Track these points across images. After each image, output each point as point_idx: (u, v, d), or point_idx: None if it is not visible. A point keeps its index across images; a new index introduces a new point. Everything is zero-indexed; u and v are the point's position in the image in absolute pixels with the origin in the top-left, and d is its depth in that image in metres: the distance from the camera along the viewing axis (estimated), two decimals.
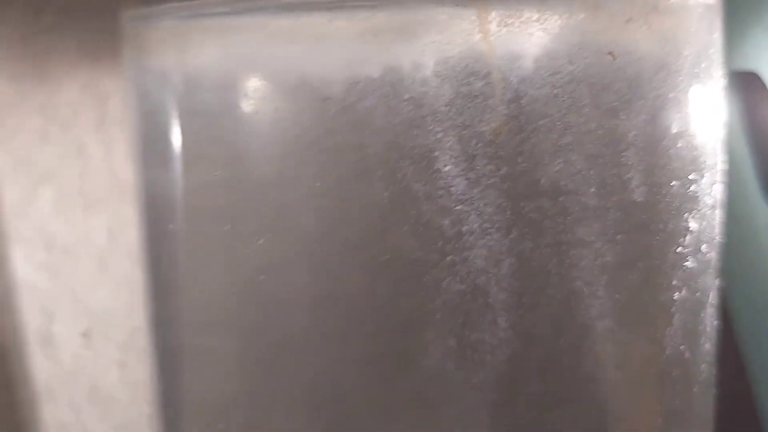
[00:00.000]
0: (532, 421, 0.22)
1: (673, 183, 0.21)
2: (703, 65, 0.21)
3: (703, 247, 0.22)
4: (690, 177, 0.21)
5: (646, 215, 0.21)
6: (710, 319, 0.23)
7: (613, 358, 0.21)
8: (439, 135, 0.21)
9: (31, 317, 0.37)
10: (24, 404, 0.34)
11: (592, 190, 0.20)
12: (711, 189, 0.22)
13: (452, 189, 0.21)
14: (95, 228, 0.38)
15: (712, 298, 0.23)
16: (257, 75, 0.21)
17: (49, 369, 0.38)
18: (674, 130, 0.20)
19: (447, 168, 0.21)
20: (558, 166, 0.20)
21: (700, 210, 0.22)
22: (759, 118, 0.29)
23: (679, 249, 0.21)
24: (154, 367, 0.26)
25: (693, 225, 0.21)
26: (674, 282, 0.21)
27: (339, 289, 0.22)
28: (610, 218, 0.20)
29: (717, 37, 0.21)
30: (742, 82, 0.29)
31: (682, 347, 0.22)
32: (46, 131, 0.37)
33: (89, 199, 0.37)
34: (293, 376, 0.23)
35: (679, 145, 0.21)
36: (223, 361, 0.24)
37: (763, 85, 0.29)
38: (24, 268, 0.37)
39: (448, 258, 0.22)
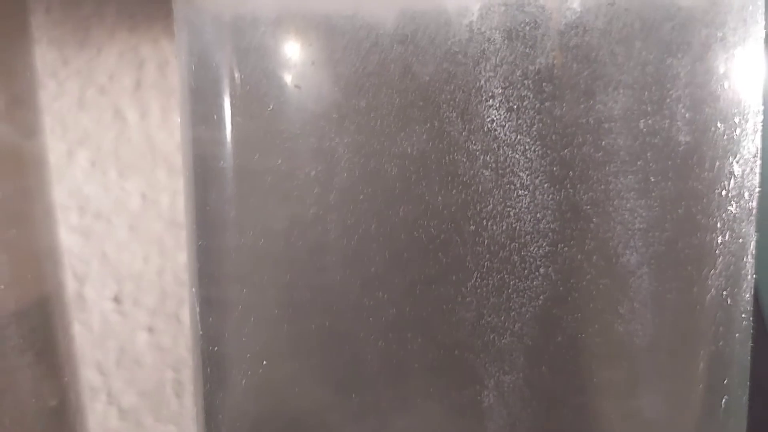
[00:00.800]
0: (567, 368, 0.22)
1: (719, 124, 0.21)
2: (750, 8, 0.21)
3: (746, 194, 0.22)
4: (735, 120, 0.21)
5: (692, 156, 0.21)
6: (750, 269, 0.23)
7: (658, 298, 0.21)
8: (488, 75, 0.21)
9: (63, 281, 0.38)
10: (63, 368, 0.34)
11: (640, 127, 0.20)
12: (754, 136, 0.22)
13: (496, 133, 0.21)
14: (129, 192, 0.38)
15: (752, 247, 0.23)
16: (309, 13, 0.22)
17: (80, 332, 0.38)
18: (721, 70, 0.21)
19: (491, 112, 0.21)
20: (604, 104, 0.20)
21: (743, 155, 0.22)
22: None
23: (723, 192, 0.21)
24: (199, 322, 0.26)
25: (736, 169, 0.22)
26: (718, 225, 0.21)
27: (373, 246, 0.22)
28: (655, 158, 0.20)
29: None
30: None
31: (724, 293, 0.22)
32: (84, 96, 0.37)
33: (123, 164, 0.38)
34: (326, 333, 0.23)
35: (725, 86, 0.21)
36: (264, 315, 0.24)
37: None
38: (58, 231, 0.37)
39: (489, 207, 0.22)
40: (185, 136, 0.25)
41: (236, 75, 0.23)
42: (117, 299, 0.38)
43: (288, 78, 0.22)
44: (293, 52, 0.22)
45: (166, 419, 0.39)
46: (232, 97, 0.23)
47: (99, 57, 0.37)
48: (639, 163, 0.21)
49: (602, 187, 0.21)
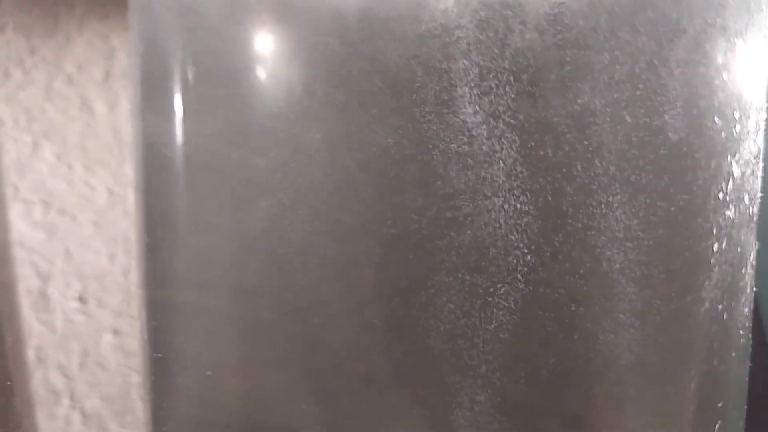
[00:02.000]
0: (553, 375, 0.20)
1: (716, 120, 0.19)
2: None
3: (746, 198, 0.20)
4: (734, 115, 0.19)
5: (685, 153, 0.19)
6: (749, 280, 0.21)
7: (647, 307, 0.19)
8: (463, 63, 0.19)
9: (24, 278, 0.36)
10: (16, 368, 0.32)
11: (628, 119, 0.18)
12: (756, 135, 0.20)
13: (471, 127, 0.19)
14: (95, 188, 0.36)
15: (752, 258, 0.21)
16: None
17: (41, 333, 0.36)
18: (719, 60, 0.19)
19: (466, 104, 0.19)
20: (587, 94, 0.18)
21: (743, 155, 0.20)
22: None
23: (720, 194, 0.19)
24: (145, 326, 0.24)
25: (735, 170, 0.20)
26: (714, 231, 0.19)
27: (344, 248, 0.20)
28: (646, 152, 0.18)
29: None
30: None
31: (720, 306, 0.20)
32: (51, 86, 0.35)
33: (90, 158, 0.36)
34: (291, 336, 0.21)
35: (724, 77, 0.19)
36: (218, 320, 0.22)
37: None
38: (20, 226, 0.36)
39: (465, 209, 0.20)
40: (136, 125, 0.23)
41: (187, 61, 0.21)
42: (81, 299, 0.36)
43: (243, 65, 0.20)
44: (248, 38, 0.20)
45: (131, 425, 0.37)
46: (182, 83, 0.21)
47: (67, 46, 0.35)
48: (626, 160, 0.19)
49: (585, 186, 0.19)
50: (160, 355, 0.21)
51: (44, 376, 0.36)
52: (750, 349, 0.22)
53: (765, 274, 0.24)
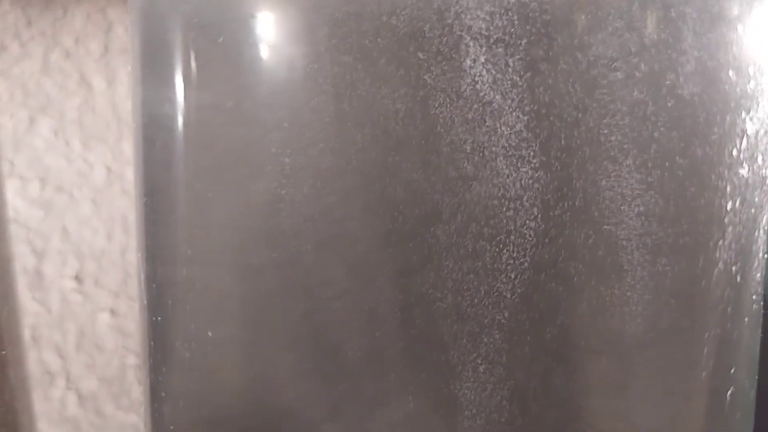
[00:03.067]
0: (560, 351, 0.20)
1: (731, 74, 0.18)
2: None
3: (759, 158, 0.20)
4: (749, 71, 0.19)
5: (700, 107, 0.18)
6: (762, 244, 0.20)
7: (659, 269, 0.18)
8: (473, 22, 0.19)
9: (20, 256, 0.35)
10: (11, 347, 0.32)
11: (639, 74, 0.18)
12: None
13: (480, 94, 0.19)
14: (92, 165, 0.35)
15: (765, 221, 0.20)
16: None
17: (37, 312, 0.36)
18: (734, 13, 0.18)
19: (475, 65, 0.19)
20: (598, 45, 0.18)
21: (757, 113, 0.19)
22: None
23: (734, 152, 0.19)
24: (147, 295, 0.23)
25: (750, 128, 0.19)
26: (728, 189, 0.19)
27: (348, 224, 0.20)
28: (658, 108, 0.18)
29: None
30: None
31: (734, 268, 0.19)
32: (48, 60, 0.35)
33: (88, 134, 0.35)
34: (291, 314, 0.20)
35: (740, 30, 0.18)
36: (217, 297, 0.21)
37: None
38: (15, 203, 0.35)
39: (472, 182, 0.19)
40: (135, 97, 0.22)
41: (187, 30, 0.20)
42: (78, 278, 0.36)
43: (245, 34, 0.20)
44: (251, 5, 0.19)
45: (127, 408, 0.36)
46: (183, 54, 0.20)
47: (65, 18, 0.35)
48: (637, 116, 0.18)
49: (595, 141, 0.18)
50: (159, 318, 0.21)
51: (39, 356, 0.36)
52: (762, 317, 0.21)
53: None
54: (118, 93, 0.35)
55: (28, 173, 0.35)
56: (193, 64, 0.21)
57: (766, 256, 0.21)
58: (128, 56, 0.35)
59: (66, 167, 0.35)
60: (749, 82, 0.19)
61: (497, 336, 0.19)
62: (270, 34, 0.20)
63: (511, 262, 0.19)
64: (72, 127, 0.35)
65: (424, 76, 0.19)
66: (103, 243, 0.36)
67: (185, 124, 0.21)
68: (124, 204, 0.36)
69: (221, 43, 0.20)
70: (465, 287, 0.19)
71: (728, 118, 0.18)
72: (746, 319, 0.20)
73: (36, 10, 0.35)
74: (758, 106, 0.19)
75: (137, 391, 0.36)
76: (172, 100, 0.21)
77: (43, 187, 0.35)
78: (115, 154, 0.35)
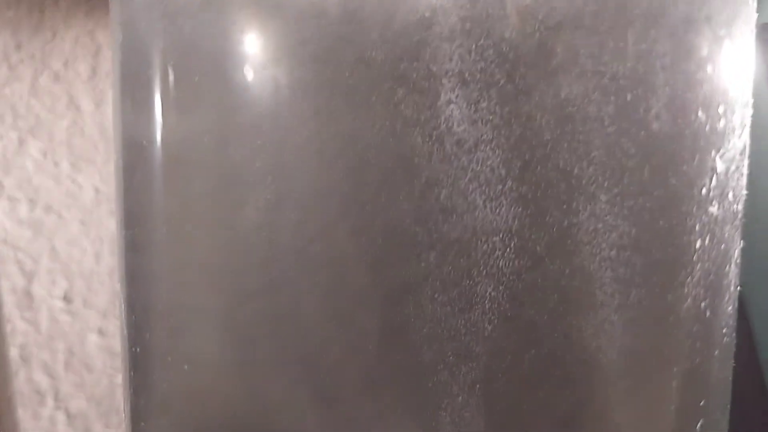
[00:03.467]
0: (534, 381, 0.20)
1: (700, 113, 0.19)
2: None
3: (730, 195, 0.20)
4: (719, 110, 0.19)
5: (670, 145, 0.18)
6: (733, 278, 0.21)
7: (629, 304, 0.19)
8: (446, 54, 0.19)
9: (9, 276, 0.36)
10: None
11: (611, 111, 0.18)
12: (741, 131, 0.20)
13: (454, 124, 0.19)
14: (81, 186, 0.36)
15: (737, 255, 0.21)
16: None
17: (26, 332, 0.36)
18: (704, 52, 0.18)
19: (449, 97, 0.19)
20: (569, 85, 0.18)
21: (728, 151, 0.20)
22: None
23: (704, 190, 0.19)
24: (127, 325, 0.24)
25: (720, 166, 0.19)
26: (697, 227, 0.19)
27: (328, 246, 0.20)
28: (629, 145, 0.18)
29: None
30: None
31: (703, 303, 0.19)
32: (37, 82, 0.35)
33: (77, 155, 0.36)
34: (269, 334, 0.21)
35: (709, 71, 0.18)
36: (197, 317, 0.22)
37: None
38: (5, 223, 0.35)
39: (447, 206, 0.19)
40: (116, 120, 0.22)
41: (167, 53, 0.21)
42: (66, 298, 0.36)
43: (224, 59, 0.20)
44: (229, 31, 0.20)
45: (116, 426, 0.37)
46: (162, 78, 0.20)
47: (54, 41, 0.35)
48: (609, 153, 0.18)
49: (567, 179, 0.19)
50: (138, 349, 0.21)
51: (28, 375, 0.36)
52: (734, 349, 0.21)
53: (752, 273, 0.23)
54: (106, 115, 0.35)
55: (18, 194, 0.35)
56: (172, 87, 0.21)
57: (738, 289, 0.21)
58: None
59: (55, 188, 0.36)
60: (719, 121, 0.19)
61: (474, 365, 0.20)
62: (251, 65, 0.20)
63: (487, 293, 0.19)
64: (61, 148, 0.35)
65: (402, 111, 0.19)
66: (91, 263, 0.36)
67: (165, 151, 0.21)
68: (112, 224, 0.36)
69: (200, 68, 0.20)
70: (443, 317, 0.20)
71: (698, 156, 0.19)
72: (716, 352, 0.20)
73: (25, 34, 0.35)
74: (729, 144, 0.19)
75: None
76: (152, 127, 0.21)
77: (32, 207, 0.36)
78: (104, 175, 0.36)
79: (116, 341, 0.36)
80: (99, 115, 0.35)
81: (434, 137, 0.19)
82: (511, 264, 0.19)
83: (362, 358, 0.20)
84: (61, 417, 0.37)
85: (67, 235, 0.36)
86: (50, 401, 0.36)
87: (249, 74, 0.20)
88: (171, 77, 0.21)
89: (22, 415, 0.35)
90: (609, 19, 0.18)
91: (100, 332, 0.36)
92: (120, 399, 0.36)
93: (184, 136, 0.21)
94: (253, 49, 0.20)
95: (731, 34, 0.19)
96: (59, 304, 0.36)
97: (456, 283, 0.19)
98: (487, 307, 0.19)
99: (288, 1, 0.19)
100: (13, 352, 0.35)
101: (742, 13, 0.19)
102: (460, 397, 0.20)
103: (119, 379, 0.36)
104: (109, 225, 0.36)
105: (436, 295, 0.20)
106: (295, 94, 0.19)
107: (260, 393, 0.21)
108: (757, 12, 0.20)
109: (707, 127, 0.19)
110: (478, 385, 0.20)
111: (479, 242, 0.19)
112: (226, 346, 0.21)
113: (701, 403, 0.20)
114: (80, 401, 0.37)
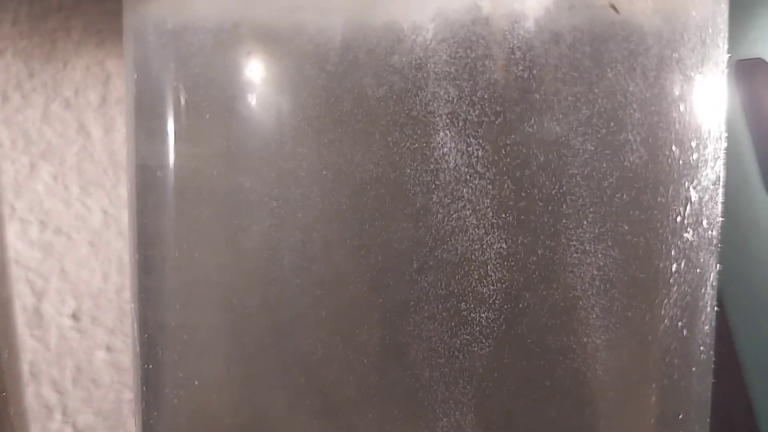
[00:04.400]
0: (523, 398, 0.21)
1: (674, 148, 0.20)
2: (709, 30, 0.20)
3: (704, 222, 0.21)
4: (691, 144, 0.21)
5: (646, 177, 0.20)
6: (710, 300, 0.22)
7: (610, 324, 0.20)
8: (437, 94, 0.20)
9: (20, 295, 0.37)
10: (10, 382, 0.33)
11: (590, 147, 0.19)
12: (714, 163, 0.22)
13: (447, 160, 0.20)
14: (90, 208, 0.37)
15: (713, 278, 0.22)
16: (252, 24, 0.21)
17: (36, 349, 0.37)
18: (676, 92, 0.20)
19: (439, 131, 0.20)
20: (550, 124, 0.20)
21: (701, 182, 0.21)
22: (765, 104, 0.28)
23: (679, 218, 0.21)
24: (139, 342, 0.25)
25: (694, 196, 0.21)
26: (673, 252, 0.21)
27: (329, 270, 0.21)
28: (607, 177, 0.20)
29: (724, 7, 0.21)
30: (748, 68, 0.28)
31: (679, 323, 0.21)
32: (48, 109, 0.37)
33: (86, 179, 0.37)
34: (278, 353, 0.22)
35: (681, 108, 0.20)
36: (207, 337, 0.23)
37: None
38: (16, 245, 0.37)
39: (440, 235, 0.21)
40: (129, 147, 0.24)
41: (179, 86, 0.22)
42: (75, 316, 0.37)
43: (232, 91, 0.22)
44: (237, 65, 0.21)
45: None
46: (174, 108, 0.22)
47: (65, 70, 0.37)
48: (589, 185, 0.20)
49: (551, 209, 0.20)
50: (150, 366, 0.22)
51: (37, 391, 0.37)
52: (712, 366, 0.23)
53: (733, 294, 0.25)
54: (115, 141, 0.37)
55: (29, 216, 0.37)
56: (182, 117, 0.22)
57: (716, 309, 0.23)
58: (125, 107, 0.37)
59: (65, 211, 0.37)
60: (692, 155, 0.21)
61: (468, 383, 0.21)
62: (258, 99, 0.21)
63: (481, 316, 0.21)
64: (71, 172, 0.37)
65: (399, 144, 0.20)
66: (99, 283, 0.37)
67: (176, 178, 0.23)
68: (120, 246, 0.37)
69: (210, 99, 0.22)
70: (439, 336, 0.21)
71: (672, 187, 0.20)
72: (694, 368, 0.21)
73: (38, 63, 0.37)
74: (701, 176, 0.21)
75: (132, 425, 0.38)
76: (164, 156, 0.23)
77: (42, 229, 0.37)
78: (112, 199, 0.37)
79: (123, 357, 0.38)
80: (108, 140, 0.37)
81: (429, 169, 0.20)
82: (502, 286, 0.21)
83: (362, 374, 0.21)
84: (69, 431, 0.38)
85: (77, 255, 0.37)
86: (58, 416, 0.38)
87: (256, 108, 0.21)
88: (183, 112, 0.22)
89: (32, 429, 0.37)
90: (587, 63, 0.19)
91: (108, 349, 0.38)
92: (126, 414, 0.38)
93: (194, 164, 0.22)
94: (260, 85, 0.21)
95: (703, 74, 0.21)
96: (68, 322, 0.37)
97: (451, 303, 0.21)
98: (481, 326, 0.21)
99: (292, 43, 0.21)
100: (23, 369, 0.36)
101: (713, 56, 0.21)
102: (457, 412, 0.21)
103: (126, 394, 0.38)
104: (116, 246, 0.37)
105: (432, 315, 0.21)
106: (299, 127, 0.21)
107: (265, 407, 0.22)
108: (732, 50, 0.22)
109: (680, 161, 0.20)
110: (473, 401, 0.21)
111: (472, 266, 0.21)
112: (232, 362, 0.23)
113: (680, 417, 0.21)
114: (88, 416, 0.38)
